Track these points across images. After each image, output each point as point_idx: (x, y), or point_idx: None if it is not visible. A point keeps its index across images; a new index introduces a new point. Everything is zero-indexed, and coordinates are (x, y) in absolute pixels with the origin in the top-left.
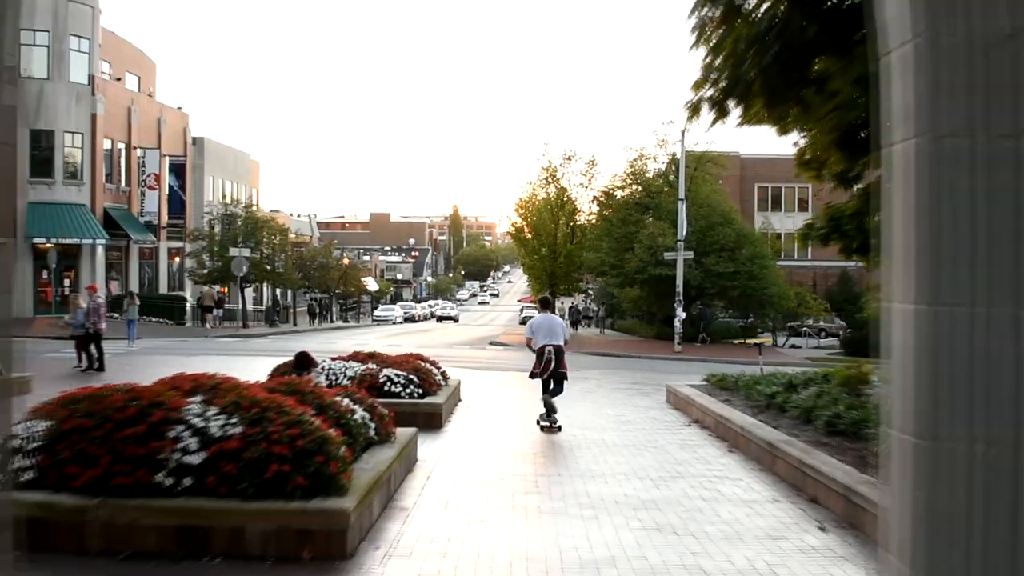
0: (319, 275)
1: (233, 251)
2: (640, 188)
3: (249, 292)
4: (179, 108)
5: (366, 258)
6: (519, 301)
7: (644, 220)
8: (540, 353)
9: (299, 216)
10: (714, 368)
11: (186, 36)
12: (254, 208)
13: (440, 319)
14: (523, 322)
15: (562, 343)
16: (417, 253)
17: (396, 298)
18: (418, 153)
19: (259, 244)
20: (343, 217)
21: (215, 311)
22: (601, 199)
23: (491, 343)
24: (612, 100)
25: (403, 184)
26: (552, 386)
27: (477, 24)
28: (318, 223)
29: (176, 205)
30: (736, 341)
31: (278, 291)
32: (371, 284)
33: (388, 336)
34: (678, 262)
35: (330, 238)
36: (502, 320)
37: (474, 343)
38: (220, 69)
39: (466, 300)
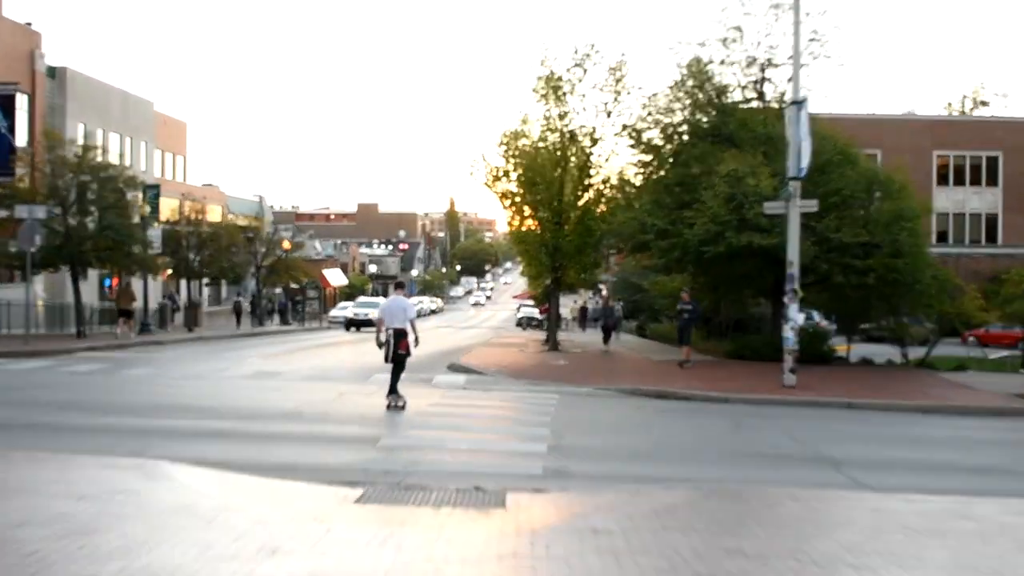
0: (218, 260)
1: (21, 211)
2: (704, 103)
3: (159, 284)
4: (27, 24)
5: (344, 249)
6: (515, 298)
7: (718, 154)
8: (379, 336)
9: (264, 200)
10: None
11: (191, 39)
12: (95, 153)
13: (352, 325)
14: (519, 323)
15: (402, 325)
16: (407, 246)
17: (378, 294)
18: (414, 149)
19: (90, 206)
20: (328, 208)
21: None
22: (635, 128)
23: (451, 367)
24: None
25: (398, 182)
26: (394, 368)
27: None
28: (299, 214)
29: (5, 155)
30: (839, 349)
31: (190, 285)
32: (335, 278)
33: (287, 353)
34: (789, 220)
35: (309, 230)
36: (495, 322)
37: (419, 368)
38: (214, 62)
39: (460, 298)
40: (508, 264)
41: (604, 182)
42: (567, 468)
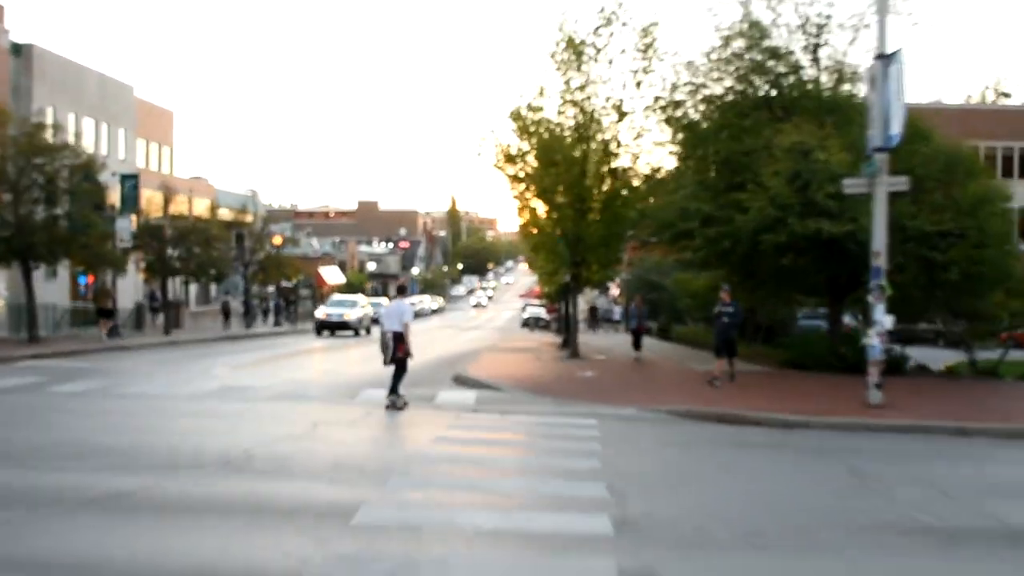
0: (197, 256)
1: None
2: (755, 67)
3: (134, 282)
4: None
5: (342, 247)
6: (520, 297)
7: (776, 126)
8: (383, 339)
9: (257, 194)
10: None
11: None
12: (56, 134)
13: (324, 328)
14: (526, 324)
15: (398, 328)
16: (408, 244)
17: (377, 293)
18: (415, 146)
19: (44, 192)
20: (327, 206)
21: None
22: (672, 100)
23: (457, 379)
24: None
25: (399, 180)
26: (395, 370)
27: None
28: (298, 212)
29: None
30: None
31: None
32: (332, 276)
33: (266, 362)
34: (875, 201)
35: (307, 227)
36: (499, 322)
37: (419, 381)
38: (212, 57)
39: (462, 297)
40: (510, 263)
41: (633, 161)
42: (655, 573)
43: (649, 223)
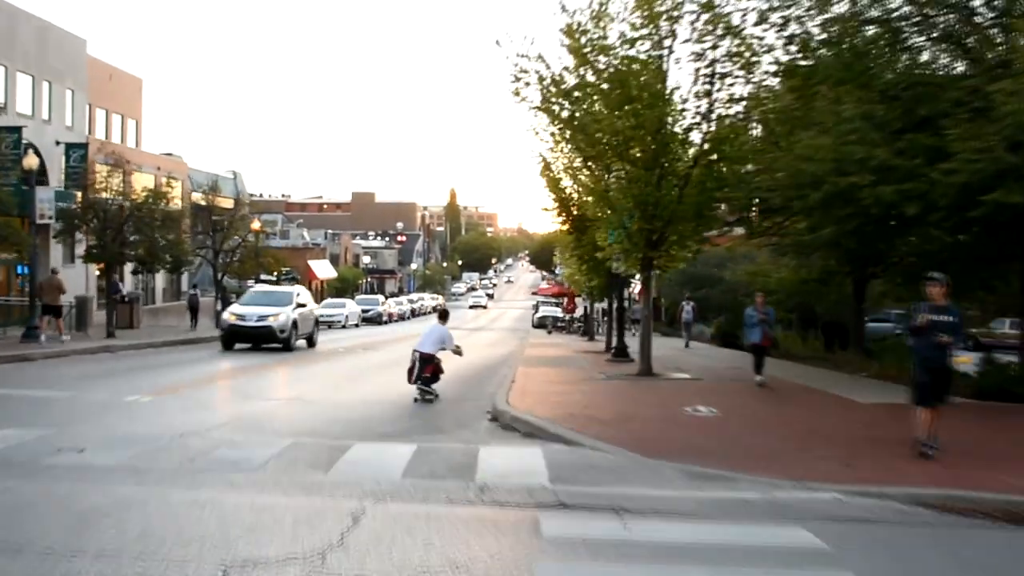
0: (146, 240)
1: None
2: None
3: (82, 271)
4: None
5: (335, 240)
6: (534, 294)
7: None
8: (412, 356)
9: (240, 176)
10: None
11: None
12: None
13: (235, 336)
14: (541, 324)
15: (428, 351)
16: (405, 238)
17: (373, 290)
18: (415, 141)
19: None
20: (321, 197)
21: None
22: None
23: (498, 419)
24: None
25: (396, 172)
26: (420, 383)
27: None
28: (290, 203)
29: None
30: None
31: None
32: (322, 270)
33: (208, 381)
34: None
35: (299, 219)
36: (506, 321)
37: (434, 421)
38: (207, 46)
39: (463, 295)
40: (510, 260)
41: (727, 104)
42: None
43: (752, 189)
